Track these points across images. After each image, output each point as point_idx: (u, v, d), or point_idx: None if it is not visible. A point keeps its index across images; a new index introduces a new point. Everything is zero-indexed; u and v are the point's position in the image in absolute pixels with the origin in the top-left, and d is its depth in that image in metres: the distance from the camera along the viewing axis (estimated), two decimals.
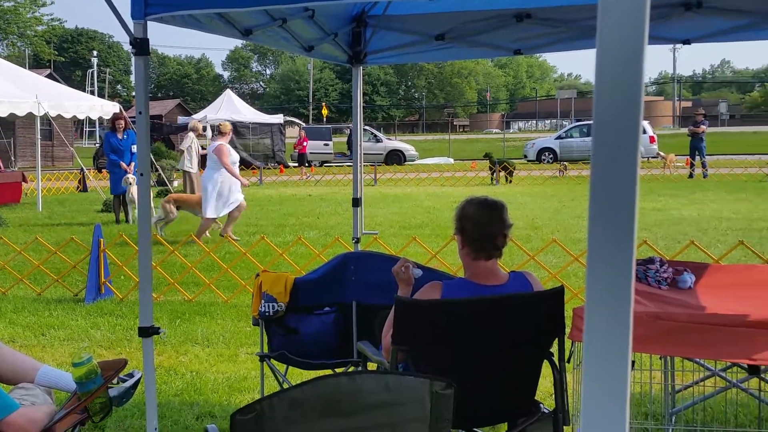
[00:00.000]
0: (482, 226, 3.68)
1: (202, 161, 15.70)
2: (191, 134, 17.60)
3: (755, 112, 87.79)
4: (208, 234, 13.68)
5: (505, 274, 3.77)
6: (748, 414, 5.24)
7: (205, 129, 37.90)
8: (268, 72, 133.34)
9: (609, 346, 0.99)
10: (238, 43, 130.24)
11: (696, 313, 3.30)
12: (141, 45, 3.57)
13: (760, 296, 3.94)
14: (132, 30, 3.61)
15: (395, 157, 40.14)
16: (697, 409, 5.25)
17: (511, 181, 26.83)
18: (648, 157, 35.89)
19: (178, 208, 14.28)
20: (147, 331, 3.81)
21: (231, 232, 13.51)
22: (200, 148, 17.86)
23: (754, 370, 3.53)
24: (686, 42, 5.59)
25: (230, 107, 39.09)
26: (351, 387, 2.57)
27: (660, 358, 4.90)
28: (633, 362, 3.29)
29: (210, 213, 13.26)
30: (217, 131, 13.51)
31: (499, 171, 27.05)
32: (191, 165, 17.58)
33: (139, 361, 5.09)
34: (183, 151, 17.74)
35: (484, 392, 3.61)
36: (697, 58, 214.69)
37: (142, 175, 3.77)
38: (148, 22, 3.61)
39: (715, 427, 5.01)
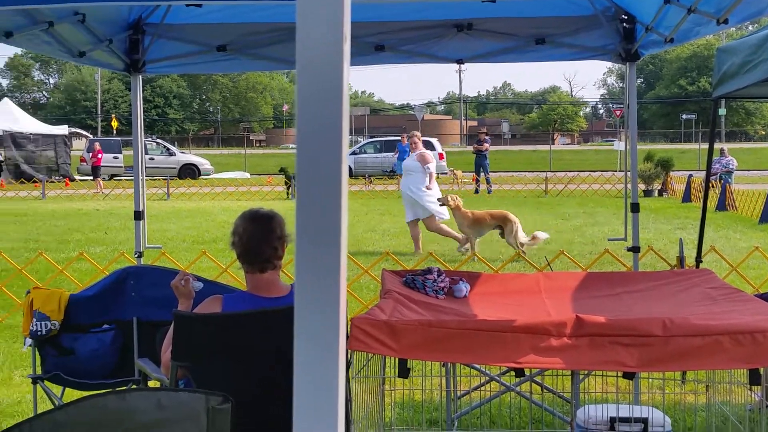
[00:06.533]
0: (247, 239, 3.68)
1: None
2: None
3: (533, 132, 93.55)
4: None
5: (287, 285, 3.78)
6: (522, 416, 5.54)
7: None
8: (51, 81, 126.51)
9: (318, 362, 1.00)
10: (17, 49, 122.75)
11: (465, 320, 3.45)
12: None
13: (526, 302, 4.18)
14: None
15: (189, 171, 39.23)
16: (476, 414, 5.48)
17: None
18: (438, 174, 37.29)
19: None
20: None
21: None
22: None
23: (520, 373, 3.73)
24: (460, 61, 5.87)
25: (8, 117, 36.63)
26: (120, 406, 2.46)
27: (442, 365, 5.07)
28: (409, 369, 3.39)
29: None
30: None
31: (295, 185, 27.11)
32: None
33: None
34: None
35: (268, 406, 3.59)
36: (481, 80, 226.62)
37: None
38: None
39: (493, 429, 5.24)
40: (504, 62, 5.81)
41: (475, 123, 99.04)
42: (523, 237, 12.99)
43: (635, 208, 5.85)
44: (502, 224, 13.04)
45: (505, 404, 5.65)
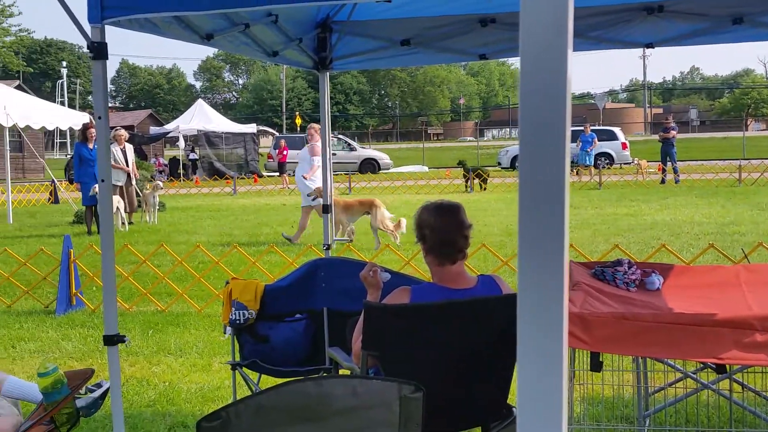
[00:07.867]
0: (440, 231, 3.67)
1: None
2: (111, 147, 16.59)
3: (725, 119, 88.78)
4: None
5: (474, 277, 3.77)
6: (720, 416, 5.27)
7: (177, 140, 37.76)
8: (240, 82, 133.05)
9: (542, 349, 0.99)
10: (210, 52, 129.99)
11: (661, 313, 3.31)
12: (98, 49, 3.55)
13: (726, 296, 3.97)
14: (89, 34, 3.59)
15: (369, 166, 40.07)
16: (670, 412, 5.27)
17: (485, 189, 26.89)
18: (621, 164, 36.15)
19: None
20: (112, 340, 3.77)
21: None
22: (126, 159, 17.24)
23: (721, 370, 3.55)
24: (649, 45, 5.64)
25: (202, 117, 38.93)
26: (318, 392, 2.55)
27: (633, 360, 4.91)
28: (602, 363, 3.30)
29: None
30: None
31: (473, 178, 27.11)
32: (118, 178, 16.89)
33: None
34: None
35: (455, 396, 3.60)
36: (666, 65, 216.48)
37: (103, 181, 3.74)
38: (109, 27, 3.60)
39: (689, 428, 5.02)
40: (696, 45, 5.54)
41: (660, 110, 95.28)
42: (388, 221, 13.72)
43: None
44: (369, 210, 13.79)
45: (702, 403, 5.39)
